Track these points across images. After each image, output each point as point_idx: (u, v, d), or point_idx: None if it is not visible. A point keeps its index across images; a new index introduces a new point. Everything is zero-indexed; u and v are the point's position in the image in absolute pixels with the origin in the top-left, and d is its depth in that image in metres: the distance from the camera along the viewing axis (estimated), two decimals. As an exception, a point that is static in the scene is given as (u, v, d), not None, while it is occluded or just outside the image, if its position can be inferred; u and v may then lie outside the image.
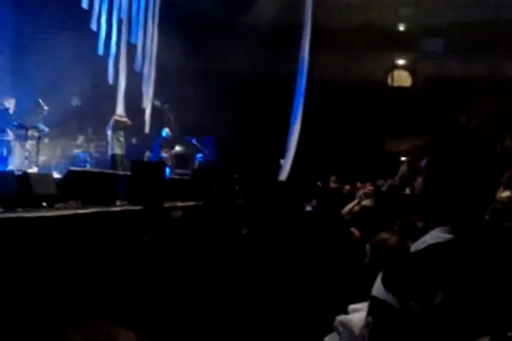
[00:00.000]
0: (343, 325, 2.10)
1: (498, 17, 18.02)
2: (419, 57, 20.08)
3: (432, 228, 1.40)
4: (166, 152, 11.99)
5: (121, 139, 10.65)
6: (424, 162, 1.47)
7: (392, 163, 17.08)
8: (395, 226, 3.71)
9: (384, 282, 1.32)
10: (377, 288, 1.33)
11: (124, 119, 10.97)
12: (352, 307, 2.19)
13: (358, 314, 2.13)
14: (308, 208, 7.45)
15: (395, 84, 20.87)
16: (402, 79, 20.92)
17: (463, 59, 18.67)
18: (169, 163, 11.47)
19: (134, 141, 11.57)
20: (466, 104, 17.68)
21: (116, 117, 10.80)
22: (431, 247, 1.34)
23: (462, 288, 1.26)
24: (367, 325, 1.35)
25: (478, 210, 1.41)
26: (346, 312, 2.18)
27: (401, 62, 20.94)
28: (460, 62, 18.77)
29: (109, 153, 10.53)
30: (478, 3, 18.01)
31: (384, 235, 2.33)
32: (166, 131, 12.16)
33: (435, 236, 1.37)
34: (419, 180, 1.48)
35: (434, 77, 19.61)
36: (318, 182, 11.94)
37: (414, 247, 1.40)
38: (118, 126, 10.64)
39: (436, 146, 1.46)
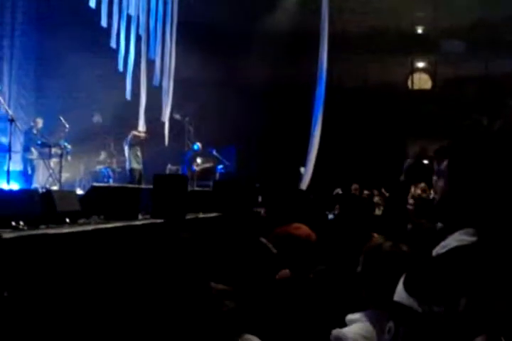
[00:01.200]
0: (338, 339, 2.07)
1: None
2: (438, 59, 19.96)
3: (453, 231, 1.38)
4: (197, 165, 12.19)
5: (139, 154, 10.80)
6: (444, 164, 1.45)
7: (415, 167, 16.97)
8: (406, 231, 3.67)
9: (406, 286, 1.31)
10: (399, 293, 1.32)
11: (143, 134, 11.12)
12: (349, 317, 2.16)
13: (353, 326, 2.10)
14: (331, 216, 7.43)
15: (415, 87, 20.74)
16: (422, 82, 20.79)
17: (483, 60, 18.51)
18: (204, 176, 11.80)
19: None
20: (488, 105, 17.46)
21: (135, 132, 10.96)
22: (454, 250, 1.32)
23: (487, 293, 1.24)
24: (388, 331, 1.34)
25: (502, 212, 1.37)
26: (344, 323, 2.15)
27: (420, 64, 20.82)
28: (480, 64, 18.61)
29: (127, 167, 10.69)
30: (497, 4, 17.84)
31: (376, 241, 2.29)
32: (197, 145, 12.31)
33: (458, 239, 1.35)
34: (440, 183, 1.46)
35: (454, 79, 19.45)
36: (338, 189, 11.89)
37: (436, 251, 1.37)
38: (135, 141, 10.78)
39: (458, 148, 1.44)
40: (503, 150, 1.37)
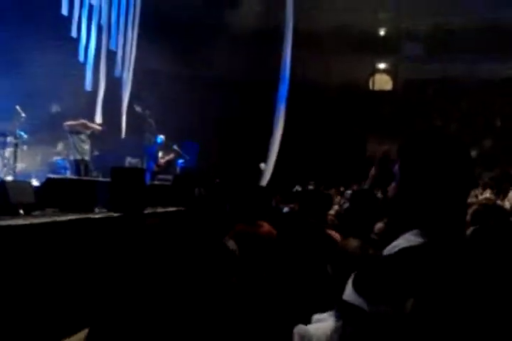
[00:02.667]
0: (300, 336, 2.07)
1: (475, 21, 18.28)
2: (399, 61, 20.30)
3: (404, 232, 1.39)
4: (162, 158, 12.03)
5: (82, 145, 10.31)
6: (396, 166, 1.47)
7: (373, 165, 17.26)
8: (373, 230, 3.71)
9: (355, 286, 1.31)
10: (348, 292, 1.32)
11: (80, 123, 10.45)
12: (316, 317, 2.16)
13: (317, 324, 2.11)
14: (286, 209, 7.47)
15: (376, 87, 21.05)
16: (382, 82, 21.12)
17: (442, 62, 18.92)
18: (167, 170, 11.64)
19: (96, 152, 11.34)
20: (446, 106, 17.88)
21: (68, 122, 10.36)
22: (403, 251, 1.33)
23: (434, 293, 1.25)
24: (336, 330, 1.34)
25: (450, 214, 1.39)
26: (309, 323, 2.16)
27: (382, 66, 21.14)
28: (439, 66, 19.01)
29: (71, 158, 10.28)
30: (456, 9, 18.25)
31: (346, 241, 2.32)
32: (161, 138, 12.12)
33: (407, 239, 1.36)
34: (393, 184, 1.47)
35: (414, 80, 19.84)
36: (297, 186, 11.97)
37: (387, 251, 1.38)
38: (73, 131, 10.30)
39: (408, 150, 1.45)
40: (452, 152, 1.40)
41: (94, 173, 10.28)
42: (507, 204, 10.16)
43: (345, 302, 1.31)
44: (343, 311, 1.34)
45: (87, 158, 10.26)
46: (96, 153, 11.02)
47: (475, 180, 1.48)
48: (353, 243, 2.25)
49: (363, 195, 3.50)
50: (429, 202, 1.38)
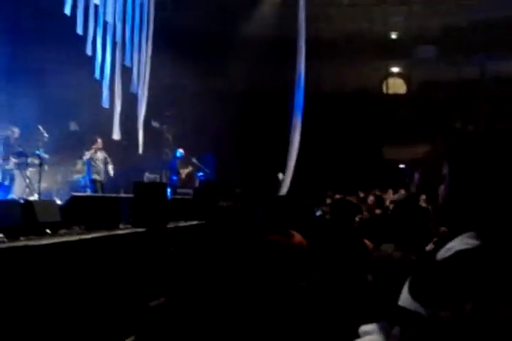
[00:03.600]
0: None
1: (487, 21, 18.19)
2: (412, 64, 20.24)
3: (457, 235, 1.37)
4: (182, 171, 12.15)
5: (97, 163, 10.55)
6: (445, 168, 1.45)
7: (391, 170, 17.16)
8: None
9: (411, 291, 1.30)
10: (404, 298, 1.32)
11: (95, 145, 10.77)
12: (363, 329, 2.16)
13: (365, 339, 2.10)
14: (319, 212, 7.44)
15: (390, 91, 20.98)
16: (396, 86, 21.04)
17: (455, 64, 18.84)
18: (189, 183, 11.75)
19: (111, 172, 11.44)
20: (461, 108, 17.77)
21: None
22: (459, 254, 1.31)
23: (493, 297, 1.23)
24: (394, 336, 1.34)
25: (506, 215, 1.35)
26: (357, 335, 2.15)
27: (395, 69, 21.08)
28: (452, 67, 18.93)
29: (87, 178, 10.58)
30: (467, 9, 18.19)
31: (387, 250, 2.30)
32: (180, 152, 12.22)
33: (463, 242, 1.34)
34: (442, 187, 1.45)
35: (428, 83, 19.75)
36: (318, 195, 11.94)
37: (440, 254, 1.36)
38: (88, 153, 10.60)
39: (458, 151, 1.44)
40: (504, 153, 1.37)
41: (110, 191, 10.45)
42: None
43: (402, 308, 1.31)
44: (400, 317, 1.33)
45: (99, 177, 10.42)
46: (111, 172, 11.12)
47: None
48: (395, 252, 2.24)
49: (407, 203, 3.46)
50: (483, 204, 1.36)
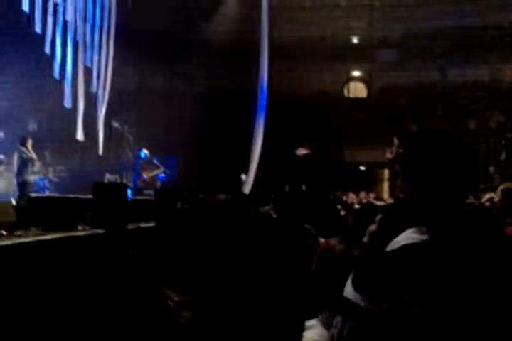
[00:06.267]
0: None
1: (447, 27, 18.62)
2: (373, 68, 20.51)
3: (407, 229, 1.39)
4: (147, 173, 11.99)
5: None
6: (401, 164, 1.48)
7: (351, 172, 17.36)
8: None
9: (353, 282, 1.33)
10: (347, 288, 1.33)
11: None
12: (307, 324, 2.17)
13: (308, 333, 2.12)
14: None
15: (351, 95, 21.22)
16: (357, 90, 21.30)
17: (415, 68, 19.20)
18: (152, 185, 11.58)
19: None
20: (421, 113, 18.11)
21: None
22: (403, 248, 1.33)
23: (430, 290, 1.25)
24: (335, 325, 1.35)
25: (453, 212, 1.39)
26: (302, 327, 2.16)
27: (356, 73, 21.33)
28: (413, 72, 19.29)
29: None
30: (428, 15, 18.59)
31: (332, 242, 2.31)
32: (144, 152, 12.09)
33: (409, 236, 1.36)
34: (398, 181, 1.48)
35: (388, 87, 20.08)
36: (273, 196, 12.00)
37: (389, 247, 1.38)
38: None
39: (412, 149, 1.47)
40: (456, 152, 1.40)
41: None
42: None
43: (344, 298, 1.32)
44: (341, 307, 1.34)
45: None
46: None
47: (477, 181, 1.49)
48: (338, 245, 2.25)
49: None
50: (431, 200, 1.39)
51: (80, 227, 5.99)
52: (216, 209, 3.80)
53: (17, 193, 10.35)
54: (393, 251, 1.35)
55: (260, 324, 2.52)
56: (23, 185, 9.92)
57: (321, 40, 19.22)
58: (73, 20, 12.06)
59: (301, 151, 16.64)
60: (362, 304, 1.27)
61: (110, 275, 4.53)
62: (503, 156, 16.49)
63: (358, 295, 1.29)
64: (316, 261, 2.27)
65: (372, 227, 4.42)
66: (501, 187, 4.04)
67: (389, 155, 14.45)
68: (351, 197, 13.78)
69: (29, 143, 10.38)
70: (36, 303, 3.97)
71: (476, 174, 1.45)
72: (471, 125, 17.37)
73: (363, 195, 14.42)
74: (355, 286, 1.30)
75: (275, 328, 2.38)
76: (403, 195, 1.46)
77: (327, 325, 2.03)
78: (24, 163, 10.17)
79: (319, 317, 2.14)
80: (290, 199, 4.70)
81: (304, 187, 14.92)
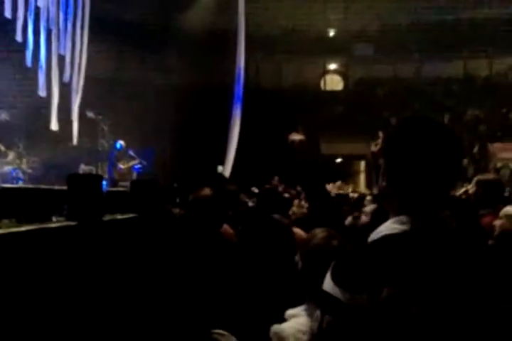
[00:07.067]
0: (276, 335, 2.07)
1: (422, 21, 18.78)
2: (349, 61, 20.62)
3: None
4: (123, 164, 11.85)
5: None
6: (381, 161, 1.44)
7: (328, 165, 17.45)
8: None
9: (332, 274, 1.29)
10: (326, 281, 1.30)
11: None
12: (288, 313, 2.16)
13: (291, 321, 2.10)
14: (251, 204, 7.43)
15: (328, 88, 21.31)
16: (334, 83, 21.39)
17: (390, 62, 19.35)
18: (129, 176, 11.44)
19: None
20: (396, 106, 18.25)
21: None
22: (383, 239, 1.31)
23: (410, 283, 1.23)
24: (316, 319, 1.33)
25: (436, 201, 1.36)
26: (284, 319, 2.15)
27: (332, 66, 21.42)
28: (389, 66, 19.43)
29: None
30: (404, 9, 18.72)
31: (315, 231, 2.30)
32: (120, 144, 11.96)
33: (389, 227, 1.34)
34: (380, 179, 1.45)
35: (365, 80, 20.20)
36: (254, 188, 11.97)
37: (371, 238, 1.36)
38: None
39: (394, 136, 1.42)
40: (439, 138, 1.36)
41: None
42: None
43: (322, 291, 1.29)
44: (320, 301, 1.32)
45: None
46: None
47: (460, 171, 1.46)
48: (319, 233, 2.24)
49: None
50: (413, 190, 1.35)
51: (54, 219, 5.90)
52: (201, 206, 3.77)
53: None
54: (373, 242, 1.32)
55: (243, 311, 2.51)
56: None
57: (297, 33, 19.23)
58: (46, 7, 11.79)
59: (296, 136, 16.56)
60: (341, 297, 1.24)
61: (84, 267, 4.46)
62: (475, 149, 16.75)
63: (337, 289, 1.26)
64: (299, 252, 2.26)
65: (365, 219, 4.40)
66: (475, 179, 4.09)
67: (373, 149, 14.49)
68: (328, 187, 13.86)
69: None
70: (8, 297, 3.88)
71: (461, 163, 1.43)
72: (446, 118, 17.56)
73: (339, 183, 14.52)
74: (334, 279, 1.27)
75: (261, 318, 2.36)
76: (385, 184, 1.42)
77: (312, 316, 2.01)
78: None
79: (304, 306, 2.13)
80: (276, 194, 4.67)
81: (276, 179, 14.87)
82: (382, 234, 1.33)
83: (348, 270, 1.28)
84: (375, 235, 1.35)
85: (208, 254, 3.14)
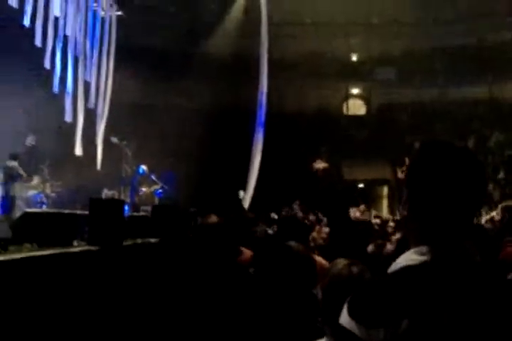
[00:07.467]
0: None
1: (445, 45, 18.79)
2: (372, 85, 20.64)
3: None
4: (146, 188, 12.00)
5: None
6: (405, 180, 1.40)
7: (350, 190, 17.32)
8: None
9: (348, 308, 1.25)
10: (343, 315, 1.27)
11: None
12: None
13: None
14: (270, 231, 7.40)
15: (350, 112, 21.33)
16: (356, 107, 21.42)
17: (413, 86, 19.32)
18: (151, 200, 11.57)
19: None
20: (420, 130, 18.15)
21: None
22: (401, 270, 1.27)
23: (429, 316, 1.19)
24: None
25: (458, 231, 1.31)
26: None
27: (355, 91, 21.47)
28: (412, 90, 19.40)
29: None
30: (426, 33, 18.76)
31: (336, 261, 2.27)
32: (142, 168, 12.13)
33: (408, 258, 1.30)
34: (403, 208, 1.42)
35: (387, 104, 20.18)
36: (273, 214, 11.95)
37: (390, 269, 1.31)
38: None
39: (417, 161, 1.38)
40: (463, 165, 1.33)
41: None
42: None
43: (340, 326, 1.26)
44: (338, 336, 1.28)
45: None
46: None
47: (484, 198, 1.41)
48: (341, 262, 2.21)
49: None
50: (434, 218, 1.31)
51: (75, 243, 5.92)
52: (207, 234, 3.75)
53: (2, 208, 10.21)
54: (391, 274, 1.29)
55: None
56: (8, 200, 9.81)
57: (320, 58, 19.37)
58: (73, 35, 12.09)
59: (320, 164, 16.62)
60: (357, 332, 1.20)
61: (105, 291, 4.45)
62: (501, 175, 16.51)
63: (353, 323, 1.22)
64: (323, 282, 2.22)
65: (390, 247, 4.32)
66: (501, 205, 4.00)
67: (400, 175, 14.49)
68: (352, 211, 13.79)
69: (19, 159, 10.31)
70: (31, 320, 3.89)
71: (485, 190, 1.38)
72: (470, 143, 17.39)
73: (362, 207, 14.44)
74: (351, 312, 1.24)
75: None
76: (406, 213, 1.39)
77: None
78: (12, 178, 10.06)
79: (324, 339, 2.08)
80: (296, 221, 4.64)
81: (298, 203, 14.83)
82: (401, 265, 1.29)
83: (364, 303, 1.24)
84: (394, 266, 1.31)
85: (220, 283, 3.11)
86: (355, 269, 2.16)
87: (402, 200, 1.41)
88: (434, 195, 1.31)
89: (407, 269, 1.27)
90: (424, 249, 1.29)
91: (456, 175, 1.31)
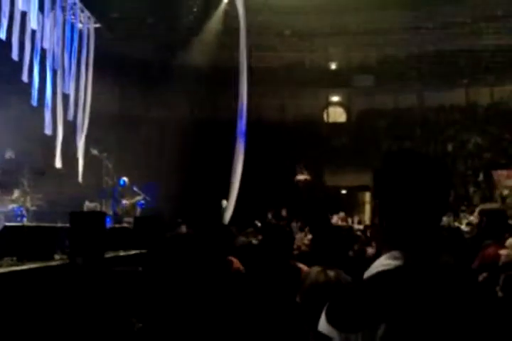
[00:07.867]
0: None
1: (422, 52, 19.04)
2: (351, 93, 20.82)
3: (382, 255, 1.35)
4: (127, 200, 11.91)
5: None
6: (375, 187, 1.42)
7: (332, 197, 17.39)
8: None
9: (326, 315, 1.26)
10: (321, 322, 1.28)
11: None
12: None
13: None
14: (255, 241, 7.38)
15: (331, 120, 21.48)
16: (337, 115, 21.58)
17: (393, 92, 19.53)
18: (133, 212, 11.47)
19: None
20: (400, 136, 18.31)
21: None
22: (375, 275, 1.29)
23: (406, 319, 1.21)
24: None
25: (426, 234, 1.34)
26: None
27: (335, 98, 21.64)
28: (390, 96, 19.61)
29: None
30: (403, 41, 19.00)
31: (311, 268, 2.29)
32: (123, 180, 12.05)
33: (382, 263, 1.32)
34: (373, 208, 1.44)
35: (366, 111, 20.36)
36: (257, 222, 11.95)
37: (366, 274, 1.33)
38: None
39: (381, 171, 1.41)
40: (427, 171, 1.35)
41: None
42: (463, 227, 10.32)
43: (318, 332, 1.27)
44: None
45: None
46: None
47: (449, 201, 1.45)
48: (314, 270, 2.22)
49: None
50: (402, 224, 1.34)
51: (57, 256, 5.87)
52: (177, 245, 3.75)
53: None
54: (367, 279, 1.31)
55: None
56: None
57: (299, 66, 19.50)
58: (51, 48, 12.03)
59: (301, 176, 16.78)
60: (336, 338, 1.22)
61: (86, 305, 4.43)
62: (481, 177, 16.70)
63: (330, 328, 1.24)
64: (300, 291, 2.23)
65: (371, 251, 4.32)
66: (478, 209, 4.06)
67: None
68: (333, 219, 13.89)
69: None
70: (12, 334, 3.85)
71: (449, 194, 1.41)
72: (449, 147, 17.59)
73: (342, 214, 14.54)
74: (329, 319, 1.25)
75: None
76: (376, 221, 1.42)
77: None
78: None
79: None
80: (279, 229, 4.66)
81: (284, 212, 14.92)
82: (376, 270, 1.31)
83: (342, 309, 1.26)
84: (369, 271, 1.33)
85: (209, 293, 3.12)
86: (331, 273, 2.18)
87: (372, 210, 1.44)
88: (400, 202, 1.35)
89: (382, 274, 1.29)
90: (396, 253, 1.31)
91: (419, 181, 1.34)
